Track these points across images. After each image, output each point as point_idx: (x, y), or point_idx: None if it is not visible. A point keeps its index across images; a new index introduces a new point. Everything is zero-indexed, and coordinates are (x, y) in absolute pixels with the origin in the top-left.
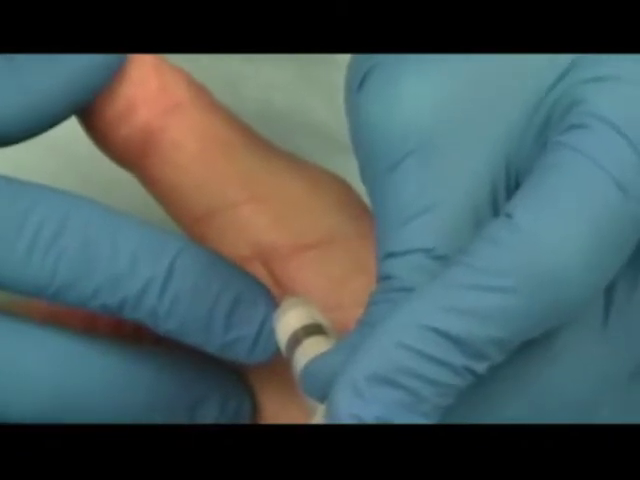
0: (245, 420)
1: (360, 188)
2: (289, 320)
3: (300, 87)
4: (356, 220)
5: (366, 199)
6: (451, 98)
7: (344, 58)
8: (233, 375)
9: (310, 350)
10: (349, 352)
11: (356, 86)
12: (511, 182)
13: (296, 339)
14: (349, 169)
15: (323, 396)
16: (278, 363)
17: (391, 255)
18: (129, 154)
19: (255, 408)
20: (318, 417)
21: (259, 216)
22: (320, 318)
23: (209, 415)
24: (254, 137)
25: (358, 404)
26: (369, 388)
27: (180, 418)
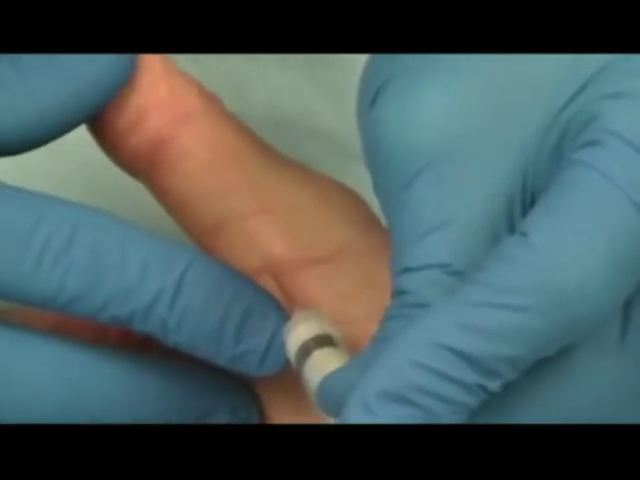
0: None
1: (369, 196)
2: (300, 331)
3: (307, 91)
4: (365, 233)
5: (375, 209)
6: (467, 113)
7: (351, 60)
8: (241, 386)
9: (320, 361)
10: (362, 368)
11: (369, 101)
12: (527, 198)
13: (306, 350)
14: (357, 175)
15: (337, 412)
16: (286, 375)
17: (407, 270)
18: (139, 163)
19: (263, 419)
20: None
21: (268, 228)
22: (331, 330)
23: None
24: (264, 147)
25: (368, 420)
26: (380, 405)
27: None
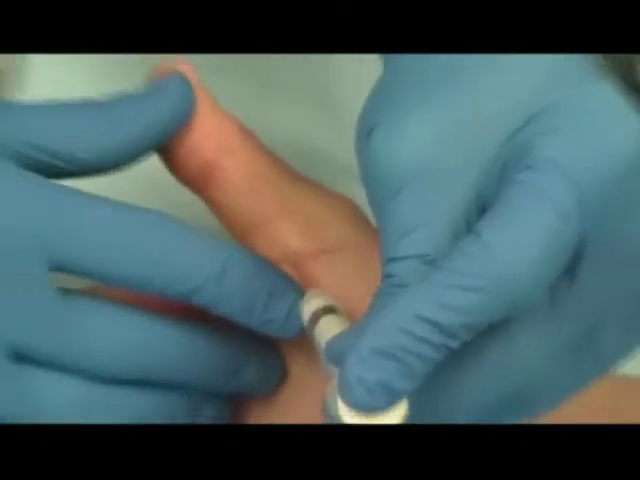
0: (277, 381)
1: (363, 205)
2: (311, 303)
3: (318, 130)
4: (361, 232)
5: (367, 215)
6: (437, 145)
7: (353, 105)
8: (268, 345)
9: (326, 326)
10: (359, 332)
11: (365, 136)
12: (480, 207)
13: (316, 317)
14: (355, 190)
15: (339, 365)
16: (302, 339)
17: (392, 260)
18: (195, 183)
19: (283, 371)
20: (334, 380)
21: (289, 228)
22: (334, 303)
23: (250, 376)
24: (288, 170)
25: (363, 370)
26: (372, 359)
27: (228, 379)
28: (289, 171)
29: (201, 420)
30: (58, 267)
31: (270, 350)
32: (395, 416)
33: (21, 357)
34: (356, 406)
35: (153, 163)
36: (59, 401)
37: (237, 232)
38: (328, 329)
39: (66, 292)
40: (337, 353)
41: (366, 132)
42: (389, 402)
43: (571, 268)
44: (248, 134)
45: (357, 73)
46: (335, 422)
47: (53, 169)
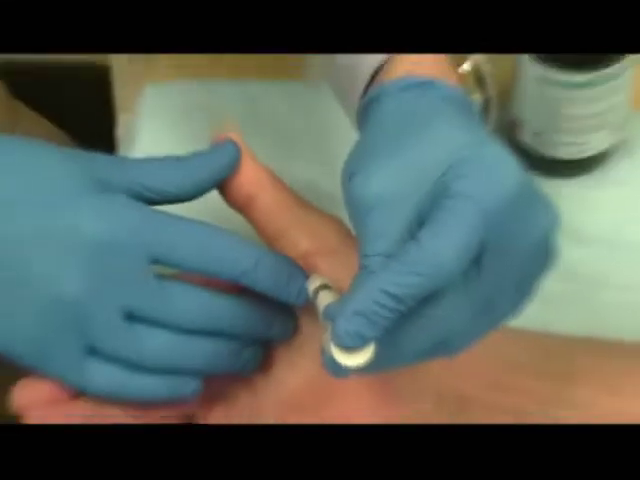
0: (293, 332)
1: (347, 223)
2: (314, 282)
3: (324, 176)
4: (346, 239)
5: (350, 229)
6: (392, 185)
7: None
8: (288, 311)
9: (323, 297)
10: (344, 302)
11: (347, 179)
12: (419, 223)
13: (317, 291)
14: (342, 215)
15: (332, 321)
16: (308, 306)
17: (366, 256)
18: (240, 208)
19: (298, 326)
20: (328, 332)
21: (300, 236)
22: (328, 282)
23: (276, 329)
24: (300, 200)
25: (346, 324)
26: (352, 317)
27: (263, 331)
28: (301, 201)
29: (240, 362)
30: (155, 261)
31: (289, 312)
32: (366, 353)
33: (131, 317)
34: (342, 347)
35: (214, 194)
36: (156, 346)
37: (266, 238)
38: (325, 299)
39: (161, 276)
40: (331, 314)
41: (348, 177)
42: (362, 344)
43: (478, 258)
44: (275, 177)
45: (348, 140)
46: (329, 358)
47: (150, 199)
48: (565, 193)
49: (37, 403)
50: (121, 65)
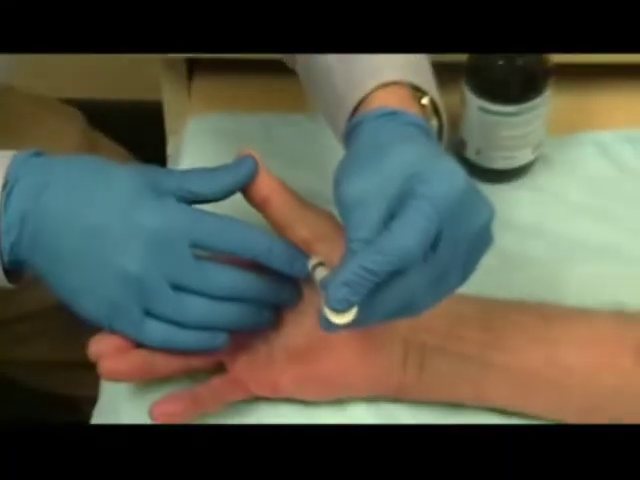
0: (298, 299)
1: (337, 217)
2: (313, 261)
3: (322, 185)
4: (337, 229)
5: (340, 221)
6: (369, 189)
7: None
8: (294, 282)
9: (319, 272)
10: (334, 275)
11: (336, 185)
12: (390, 216)
13: (315, 267)
14: (334, 211)
15: (325, 290)
16: (309, 278)
17: (350, 241)
18: (257, 207)
19: (301, 294)
20: (323, 299)
21: (302, 227)
22: (323, 260)
23: (286, 295)
24: (303, 200)
25: (335, 292)
26: (339, 287)
27: (277, 296)
28: (303, 201)
29: (259, 321)
30: (194, 245)
31: (294, 283)
32: (351, 314)
33: (177, 287)
34: (333, 309)
35: (238, 196)
36: (195, 309)
37: (277, 229)
38: (320, 274)
39: (199, 257)
40: (325, 285)
41: (336, 184)
42: (348, 307)
43: (435, 243)
44: (284, 184)
45: (339, 158)
46: (323, 318)
47: (191, 200)
48: (499, 194)
49: (107, 351)
50: (170, 101)
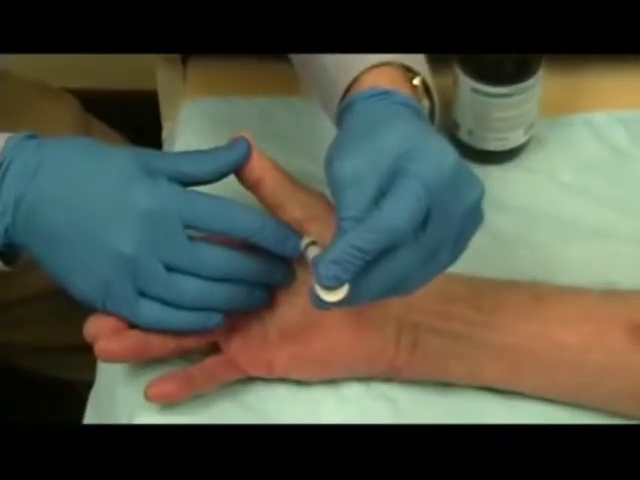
0: (291, 279)
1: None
2: (305, 240)
3: (315, 167)
4: (329, 209)
5: (332, 201)
6: (361, 168)
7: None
8: (287, 262)
9: (311, 251)
10: (325, 253)
11: (328, 165)
12: (381, 194)
13: (307, 246)
14: (326, 191)
15: (317, 268)
16: (301, 257)
17: (341, 219)
18: (250, 187)
19: (294, 273)
20: (314, 278)
21: (295, 206)
22: (315, 240)
23: (278, 275)
24: (295, 180)
25: (326, 270)
26: (330, 265)
27: (269, 276)
28: (296, 182)
29: (252, 301)
30: (187, 226)
31: (287, 263)
32: (342, 291)
33: (170, 268)
34: (324, 286)
35: (232, 178)
36: (189, 289)
37: (269, 209)
38: (312, 253)
39: (192, 237)
40: (316, 264)
41: (328, 163)
42: (339, 284)
43: (424, 221)
44: (276, 165)
45: (331, 139)
46: (315, 296)
47: (184, 181)
48: (492, 175)
49: (103, 332)
50: (164, 88)
